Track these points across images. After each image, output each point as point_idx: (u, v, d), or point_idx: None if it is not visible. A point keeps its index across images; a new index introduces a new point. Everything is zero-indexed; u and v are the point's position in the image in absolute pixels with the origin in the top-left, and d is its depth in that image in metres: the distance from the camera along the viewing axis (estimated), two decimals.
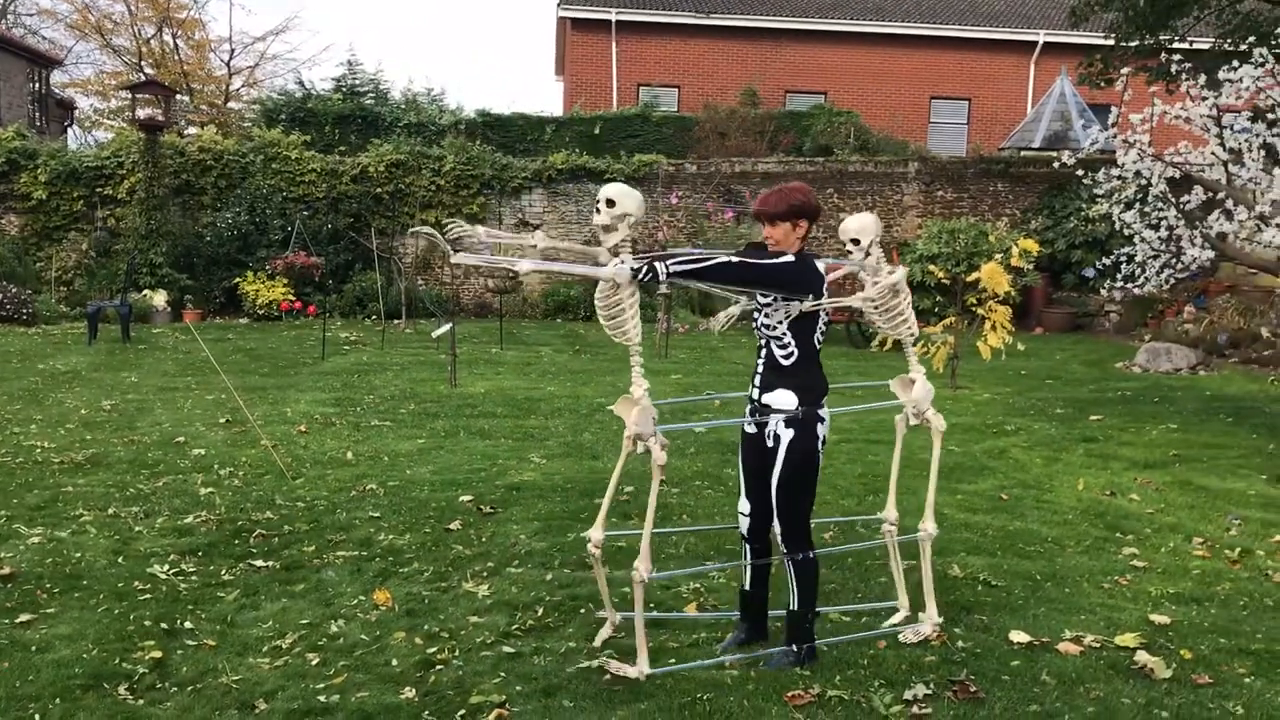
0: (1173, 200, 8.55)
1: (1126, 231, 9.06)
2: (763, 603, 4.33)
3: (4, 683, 3.85)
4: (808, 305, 3.95)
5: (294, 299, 17.22)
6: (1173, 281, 9.48)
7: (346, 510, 6.17)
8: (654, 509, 3.88)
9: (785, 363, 4.02)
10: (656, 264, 3.68)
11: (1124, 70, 9.36)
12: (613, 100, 25.18)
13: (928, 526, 4.43)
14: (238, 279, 17.42)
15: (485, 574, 5.09)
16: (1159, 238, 8.73)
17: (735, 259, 3.84)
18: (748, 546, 4.27)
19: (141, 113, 18.34)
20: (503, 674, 3.96)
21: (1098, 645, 4.28)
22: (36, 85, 29.90)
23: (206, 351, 9.70)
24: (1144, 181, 8.45)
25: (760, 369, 4.10)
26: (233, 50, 35.10)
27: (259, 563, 5.23)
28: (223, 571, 5.11)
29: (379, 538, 5.64)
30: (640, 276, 3.69)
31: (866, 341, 14.09)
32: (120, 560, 5.23)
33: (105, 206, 18.11)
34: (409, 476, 6.97)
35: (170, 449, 7.67)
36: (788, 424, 3.96)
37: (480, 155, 18.98)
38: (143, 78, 28.90)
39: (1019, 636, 4.34)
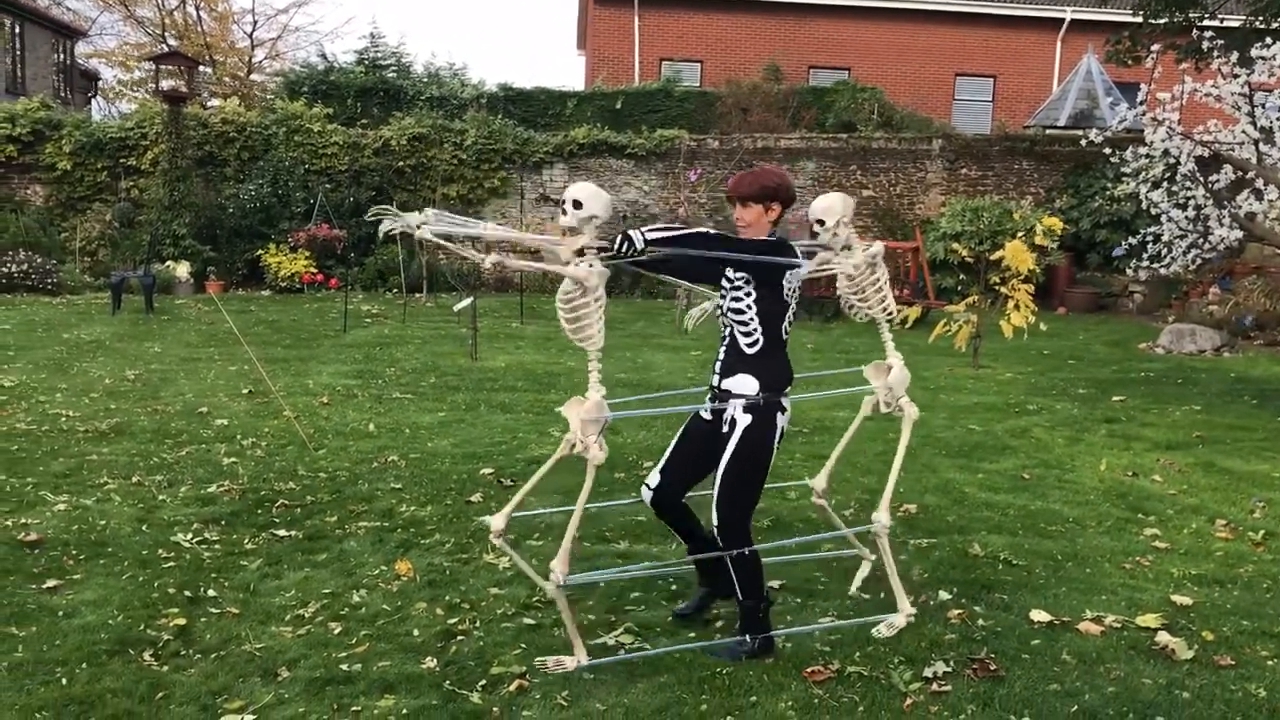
0: (1201, 179, 8.46)
1: (1154, 211, 8.98)
2: (709, 559, 4.15)
3: (32, 647, 3.90)
4: (806, 269, 3.86)
5: (316, 271, 17.28)
6: (1199, 262, 9.39)
7: (368, 481, 6.21)
8: (580, 512, 3.73)
9: (749, 350, 3.89)
10: (631, 232, 3.58)
11: (1154, 48, 9.25)
12: (635, 75, 25.06)
13: (881, 518, 4.14)
14: (260, 251, 17.49)
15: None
16: (1186, 217, 8.65)
17: (714, 231, 3.73)
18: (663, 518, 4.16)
19: (165, 84, 18.40)
20: (523, 645, 3.98)
21: (1119, 625, 4.27)
22: (61, 56, 30.01)
23: (230, 322, 9.75)
24: (1172, 160, 8.37)
25: (722, 355, 3.97)
26: (255, 22, 35.28)
27: (281, 532, 5.27)
28: (245, 540, 5.15)
29: (400, 509, 5.67)
30: (617, 247, 3.57)
31: None
32: (144, 528, 5.28)
33: (129, 177, 18.19)
34: (430, 449, 7.00)
35: (193, 419, 7.72)
36: (746, 409, 3.84)
37: (502, 129, 18.96)
38: (166, 49, 28.93)
39: (1039, 616, 4.33)
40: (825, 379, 8.37)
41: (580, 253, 3.57)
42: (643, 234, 3.60)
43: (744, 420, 3.85)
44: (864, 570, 4.49)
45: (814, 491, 4.45)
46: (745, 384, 3.88)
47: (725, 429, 3.89)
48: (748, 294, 3.88)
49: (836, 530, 4.55)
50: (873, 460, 6.89)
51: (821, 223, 4.13)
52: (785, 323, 3.92)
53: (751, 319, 3.87)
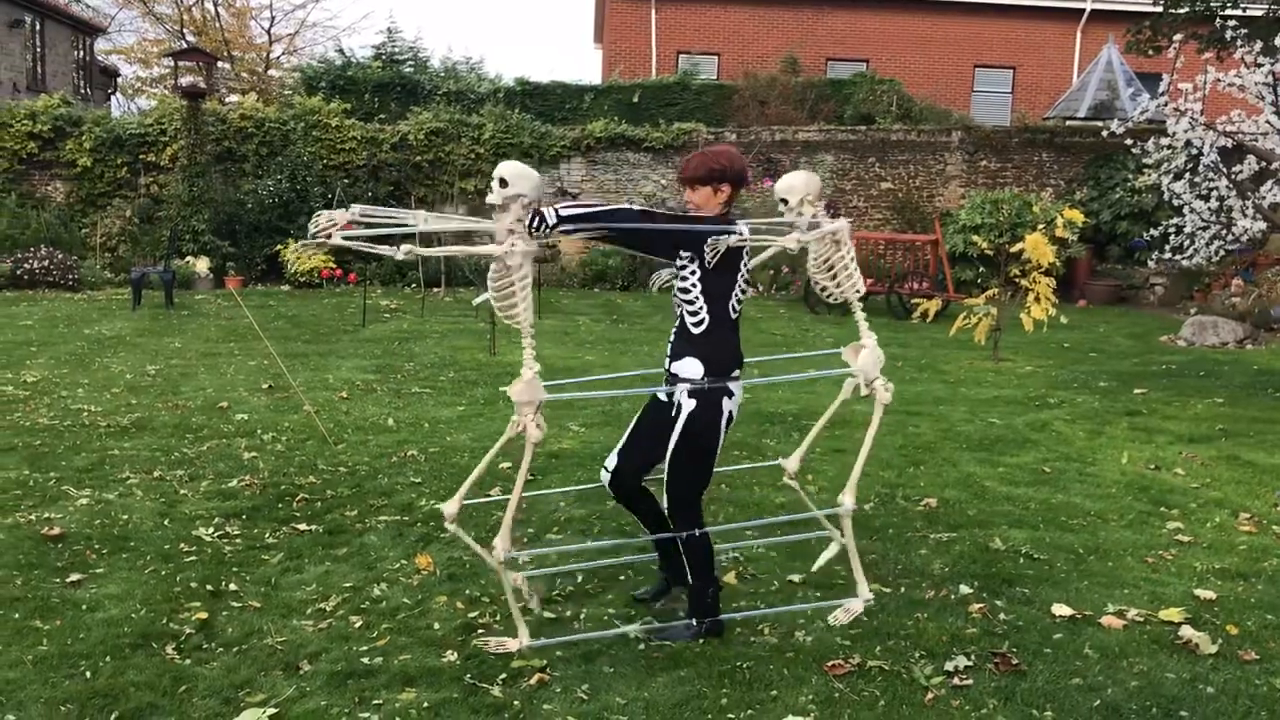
0: (1224, 170, 8.39)
1: (1176, 202, 8.91)
2: (670, 546, 4.17)
3: (56, 640, 3.93)
4: (734, 240, 3.80)
5: (334, 266, 17.32)
6: (1222, 254, 9.32)
7: (388, 475, 6.22)
8: (521, 488, 3.78)
9: (695, 330, 3.88)
10: (544, 210, 3.59)
11: (1176, 37, 9.17)
12: (652, 68, 25.01)
13: (846, 501, 4.11)
14: (279, 246, 17.54)
15: (525, 540, 5.12)
16: (1209, 209, 8.58)
17: (636, 207, 3.72)
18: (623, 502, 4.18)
19: (184, 80, 18.45)
20: (543, 639, 3.98)
21: (1141, 619, 4.24)
22: (81, 53, 30.16)
23: (250, 317, 9.79)
24: (1195, 151, 8.30)
25: (672, 337, 3.98)
26: (273, 18, 35.45)
27: (302, 526, 5.29)
28: (266, 535, 5.17)
29: (420, 503, 5.69)
30: (529, 225, 3.58)
31: (907, 313, 13.98)
32: (166, 522, 5.31)
33: (148, 174, 18.26)
34: (449, 443, 7.02)
35: (214, 414, 7.76)
36: (691, 394, 3.85)
37: (519, 123, 18.96)
38: (184, 45, 29.05)
39: (1061, 610, 4.30)
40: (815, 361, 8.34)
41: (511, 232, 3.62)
42: (556, 211, 3.62)
43: (689, 405, 3.86)
44: (831, 550, 4.40)
45: (785, 472, 4.40)
46: (691, 368, 3.87)
47: (673, 413, 3.92)
48: (692, 272, 3.87)
49: (808, 512, 4.47)
50: (893, 454, 6.86)
51: (785, 201, 4.11)
52: (733, 300, 3.91)
53: (697, 297, 3.87)
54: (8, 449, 6.62)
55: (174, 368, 9.59)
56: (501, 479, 6.18)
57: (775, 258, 4.41)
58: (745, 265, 3.95)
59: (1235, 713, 3.50)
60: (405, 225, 3.66)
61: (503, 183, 3.58)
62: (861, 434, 4.40)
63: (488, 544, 5.02)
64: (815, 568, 4.52)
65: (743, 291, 3.96)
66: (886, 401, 4.12)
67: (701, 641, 3.97)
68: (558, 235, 3.68)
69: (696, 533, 3.94)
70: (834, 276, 4.15)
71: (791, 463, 4.44)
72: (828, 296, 4.25)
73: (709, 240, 3.78)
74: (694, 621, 4.01)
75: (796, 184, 4.10)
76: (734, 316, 3.93)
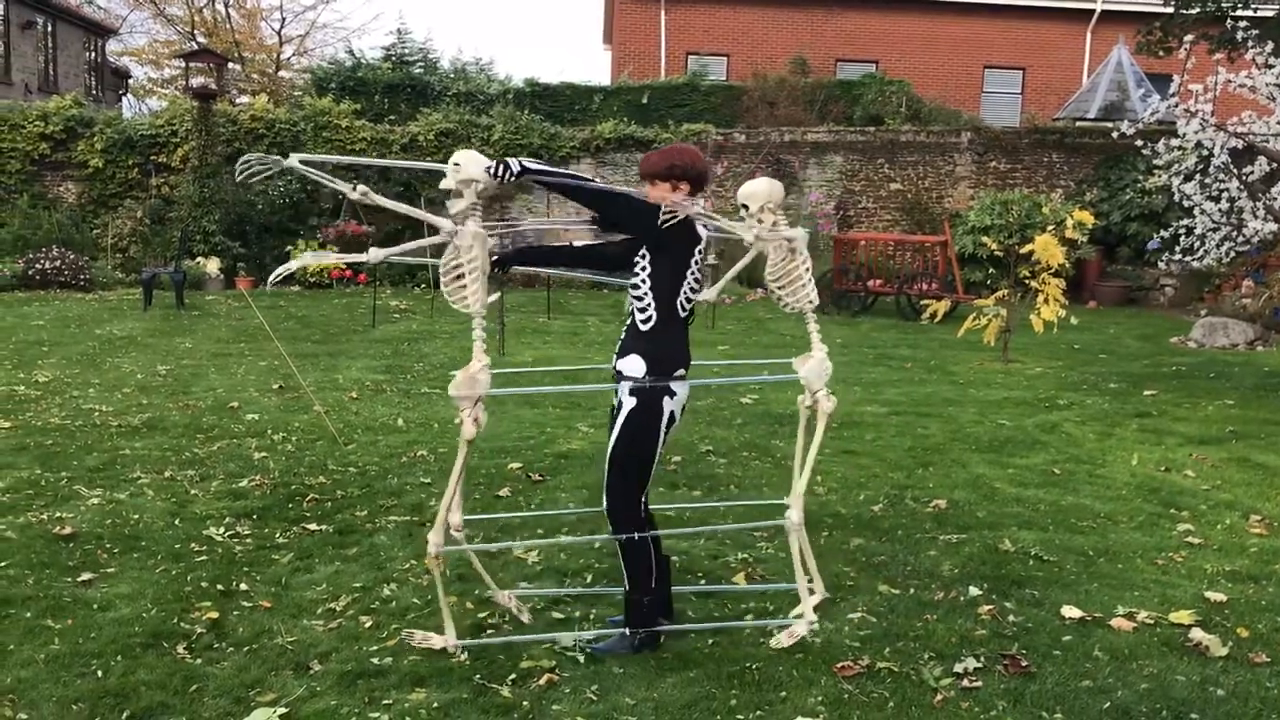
0: (1235, 171, 8.37)
1: (1186, 204, 8.89)
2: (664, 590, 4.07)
3: (68, 639, 3.94)
4: (692, 210, 3.77)
5: (344, 267, 17.36)
6: (1232, 255, 9.30)
7: (398, 476, 6.24)
8: (456, 479, 3.82)
9: (643, 327, 3.82)
10: (509, 160, 3.66)
11: (1187, 38, 9.15)
12: (661, 69, 25.02)
13: (793, 515, 3.90)
14: (289, 247, 17.58)
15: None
16: (1220, 210, 8.56)
17: (597, 181, 3.78)
18: None
19: (195, 81, 18.53)
20: (553, 640, 3.99)
21: (1151, 622, 4.23)
22: (92, 54, 30.28)
23: (260, 318, 9.82)
24: (1205, 152, 8.28)
25: (622, 334, 3.94)
26: (283, 19, 35.38)
27: (312, 526, 5.31)
28: (277, 534, 5.19)
29: (430, 503, 5.69)
30: (496, 172, 3.63)
31: (916, 314, 13.96)
32: (177, 522, 5.33)
33: (159, 174, 18.33)
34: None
35: (224, 414, 7.78)
36: (632, 392, 3.79)
37: (529, 124, 18.99)
38: (195, 46, 29.14)
39: (1071, 612, 4.29)
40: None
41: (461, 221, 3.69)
42: (521, 162, 3.67)
43: (629, 403, 3.80)
44: (799, 628, 3.98)
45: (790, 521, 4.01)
46: (634, 365, 3.81)
47: (616, 409, 3.88)
48: (643, 267, 3.82)
49: (805, 563, 4.05)
50: (902, 456, 6.85)
51: (745, 207, 4.03)
52: (682, 297, 3.84)
53: (646, 292, 3.81)
54: (19, 448, 6.65)
55: (184, 368, 9.62)
56: (510, 479, 6.19)
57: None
58: (697, 262, 3.87)
59: (1246, 715, 3.49)
60: (339, 187, 3.72)
61: (457, 166, 3.66)
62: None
63: (507, 551, 5.05)
64: (791, 616, 4.09)
65: (693, 290, 3.89)
66: (828, 411, 3.98)
67: (711, 642, 3.97)
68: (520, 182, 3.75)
69: (636, 536, 3.83)
70: (786, 286, 4.06)
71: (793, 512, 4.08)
72: (783, 306, 4.13)
73: (664, 205, 3.73)
74: (627, 632, 3.91)
75: (758, 191, 4.01)
76: (684, 314, 3.88)
